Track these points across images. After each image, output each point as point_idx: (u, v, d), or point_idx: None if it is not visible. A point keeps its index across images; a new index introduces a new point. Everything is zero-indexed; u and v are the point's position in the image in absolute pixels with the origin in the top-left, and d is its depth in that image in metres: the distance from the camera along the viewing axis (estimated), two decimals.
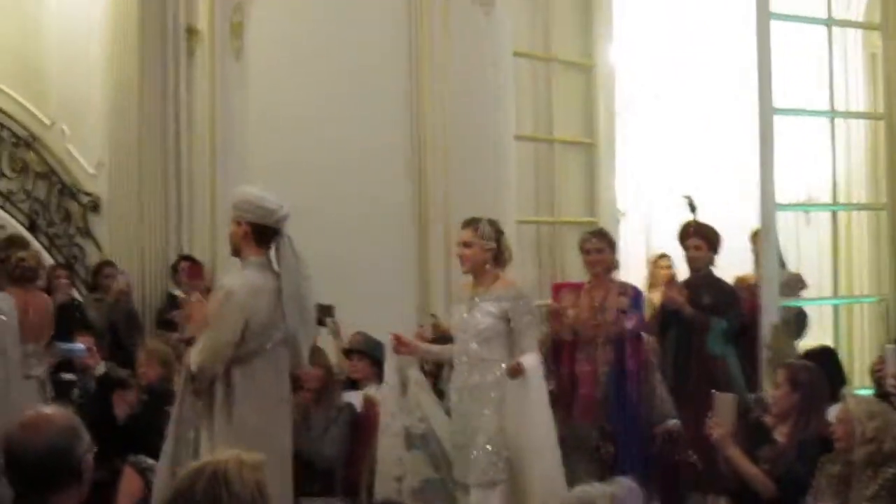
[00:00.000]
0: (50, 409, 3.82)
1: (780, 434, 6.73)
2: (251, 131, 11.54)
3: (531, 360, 7.04)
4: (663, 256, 11.27)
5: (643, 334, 8.08)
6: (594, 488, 2.77)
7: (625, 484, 2.87)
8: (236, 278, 6.46)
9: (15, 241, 9.39)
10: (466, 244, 7.23)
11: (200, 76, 11.94)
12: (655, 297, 10.56)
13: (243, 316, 6.23)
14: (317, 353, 8.39)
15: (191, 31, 12.01)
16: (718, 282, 9.12)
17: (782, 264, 9.55)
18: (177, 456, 6.30)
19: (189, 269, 11.06)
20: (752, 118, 8.67)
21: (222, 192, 11.67)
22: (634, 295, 8.19)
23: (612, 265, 8.21)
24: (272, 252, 6.40)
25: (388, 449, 7.33)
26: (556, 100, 10.36)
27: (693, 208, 9.08)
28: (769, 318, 8.50)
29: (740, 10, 10.21)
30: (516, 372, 6.95)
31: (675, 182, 13.02)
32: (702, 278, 8.99)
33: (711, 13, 12.51)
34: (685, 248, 9.08)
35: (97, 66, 12.37)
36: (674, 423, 8.06)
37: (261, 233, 6.35)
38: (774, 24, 8.38)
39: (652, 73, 13.12)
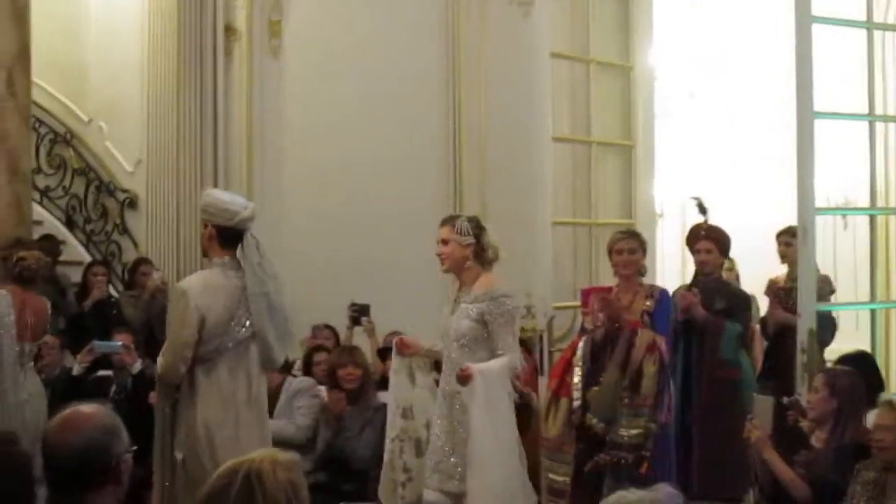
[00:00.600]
0: (88, 408, 3.81)
1: (817, 439, 6.71)
2: (288, 130, 11.57)
3: (498, 364, 6.78)
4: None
5: (657, 338, 7.67)
6: (633, 494, 2.74)
7: (665, 490, 2.84)
8: (192, 279, 6.69)
9: (21, 241, 9.38)
10: (444, 241, 7.04)
11: (238, 74, 11.96)
12: None
13: (198, 314, 6.31)
14: (354, 353, 8.41)
15: (229, 30, 12.02)
16: (729, 286, 9.13)
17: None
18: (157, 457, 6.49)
19: None
20: (790, 119, 8.60)
21: (259, 189, 11.68)
22: (661, 298, 7.91)
23: (642, 268, 8.04)
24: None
25: (395, 453, 7.11)
26: (594, 101, 10.32)
27: (703, 210, 9.01)
28: (807, 323, 8.42)
29: (778, 11, 10.20)
30: (464, 378, 6.66)
31: (712, 183, 13.02)
32: (713, 282, 8.90)
33: (749, 14, 12.46)
34: (695, 251, 8.97)
35: (135, 64, 12.41)
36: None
37: (225, 235, 6.45)
38: (814, 28, 8.33)
39: (689, 74, 13.09)
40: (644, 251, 8.04)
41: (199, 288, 6.41)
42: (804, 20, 8.23)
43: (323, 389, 8.59)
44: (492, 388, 6.71)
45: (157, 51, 12.16)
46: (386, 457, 7.10)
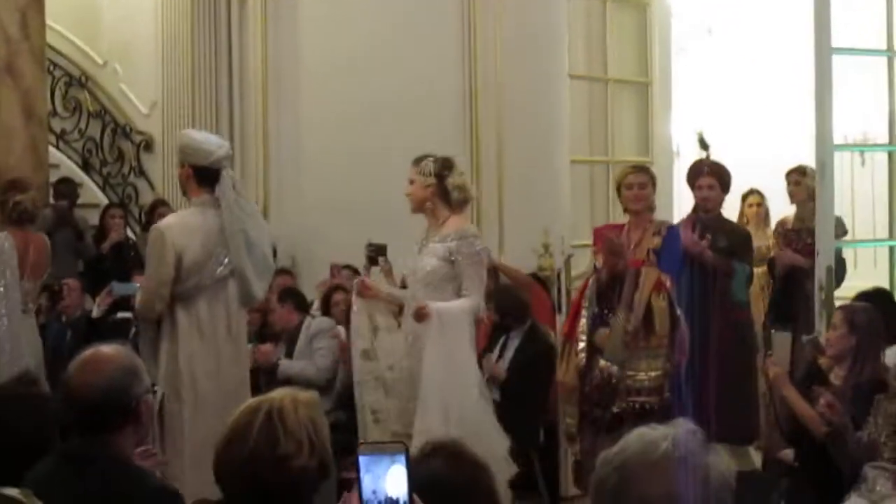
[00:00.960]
0: (108, 349, 3.83)
1: (836, 376, 6.71)
2: (304, 69, 11.50)
3: (458, 305, 6.79)
4: (753, 192, 10.79)
5: (662, 276, 7.48)
6: (655, 430, 2.74)
7: (686, 425, 2.84)
8: (169, 218, 7.00)
9: (15, 184, 9.34)
10: (410, 181, 7.05)
11: (253, 15, 11.88)
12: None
13: (175, 253, 6.49)
14: None
15: None
16: (731, 224, 8.95)
17: None
18: None
19: None
20: (808, 56, 8.55)
21: (274, 131, 11.65)
22: (668, 234, 7.67)
23: (652, 204, 7.81)
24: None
25: (360, 396, 7.09)
26: (611, 38, 10.27)
27: (705, 146, 8.89)
28: (825, 261, 8.40)
29: None
30: (420, 315, 6.68)
31: (729, 120, 12.97)
32: (714, 220, 8.67)
33: None
34: (697, 187, 8.73)
35: (150, 5, 12.37)
36: None
37: (202, 174, 6.59)
38: None
39: (706, 10, 13.01)
40: (654, 186, 7.81)
41: (176, 227, 6.63)
42: None
43: (342, 330, 8.60)
44: (448, 329, 6.72)
45: None
46: (356, 401, 7.12)
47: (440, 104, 10.28)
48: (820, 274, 8.43)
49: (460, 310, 6.81)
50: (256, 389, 6.46)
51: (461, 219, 7.06)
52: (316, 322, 8.81)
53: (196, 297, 6.59)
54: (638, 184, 7.70)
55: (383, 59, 10.66)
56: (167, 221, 6.83)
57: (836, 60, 8.18)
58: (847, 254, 10.58)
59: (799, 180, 9.32)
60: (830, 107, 8.27)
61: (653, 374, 7.42)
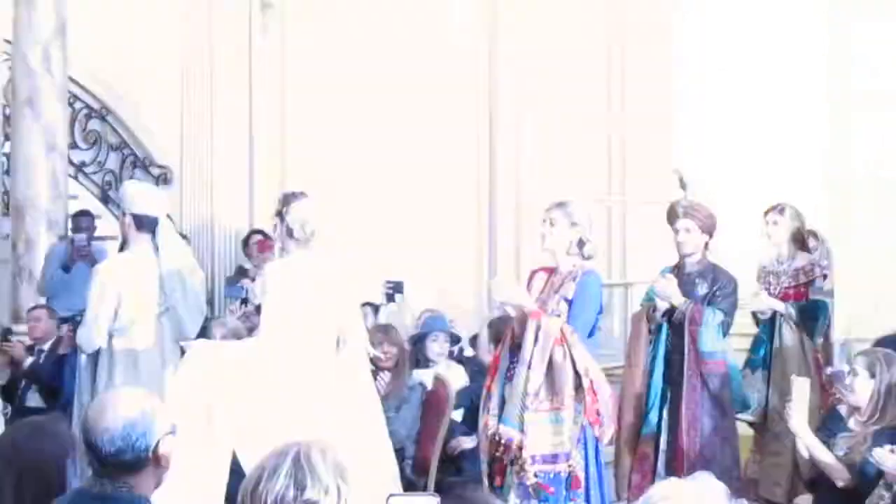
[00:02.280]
0: (128, 390, 3.84)
1: (856, 422, 6.67)
2: (322, 102, 11.55)
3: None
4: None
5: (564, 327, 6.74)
6: (678, 485, 2.72)
7: (709, 480, 2.82)
8: (109, 259, 7.67)
9: None
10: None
11: (272, 46, 11.95)
12: None
13: (113, 291, 7.13)
14: (389, 331, 8.39)
15: (264, 5, 12.01)
16: (714, 269, 8.17)
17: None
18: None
19: (260, 243, 11.09)
20: (820, 93, 8.57)
21: (293, 165, 11.69)
22: (582, 280, 6.86)
23: (565, 245, 6.93)
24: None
25: None
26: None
27: (683, 185, 8.55)
28: (845, 308, 8.40)
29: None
30: None
31: (740, 158, 12.95)
32: (695, 266, 8.11)
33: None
34: (674, 230, 8.16)
35: (171, 39, 12.40)
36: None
37: (142, 221, 7.26)
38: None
39: (719, 48, 13.01)
40: (577, 224, 6.96)
41: (116, 268, 7.29)
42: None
43: None
44: None
45: (190, 24, 12.16)
46: None
47: (459, 144, 10.31)
48: (841, 316, 8.44)
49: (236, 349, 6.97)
50: None
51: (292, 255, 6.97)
52: None
53: (132, 331, 7.21)
54: (549, 219, 6.99)
55: (400, 84, 10.71)
56: (107, 263, 7.51)
57: (854, 99, 8.22)
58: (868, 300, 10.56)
59: (777, 220, 8.81)
60: (847, 145, 8.33)
61: (556, 439, 6.74)
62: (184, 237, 9.56)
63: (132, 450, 3.68)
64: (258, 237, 11.28)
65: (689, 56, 11.00)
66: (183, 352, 6.92)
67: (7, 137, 10.94)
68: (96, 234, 11.54)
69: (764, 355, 8.71)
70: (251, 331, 8.50)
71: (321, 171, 11.51)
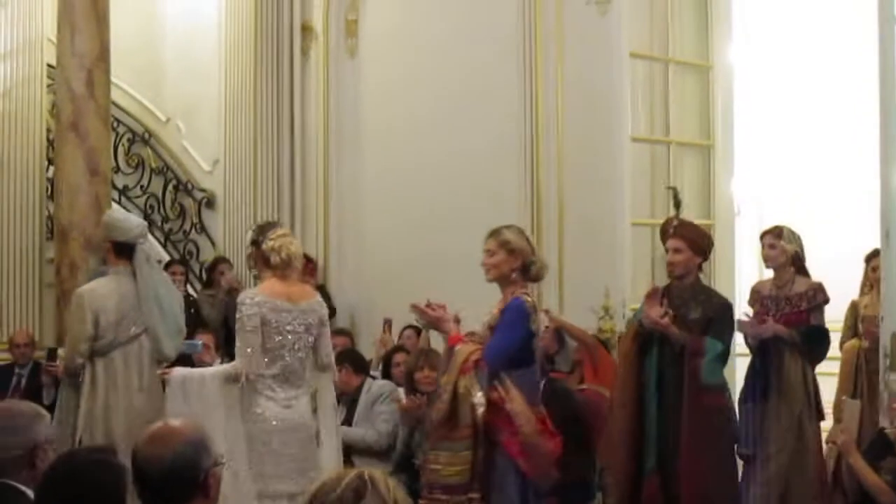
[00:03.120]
0: (177, 421, 3.85)
1: None
2: (364, 128, 11.59)
3: (212, 371, 7.30)
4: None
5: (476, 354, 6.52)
6: None
7: None
8: (90, 284, 7.83)
9: None
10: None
11: (315, 74, 12.01)
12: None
13: (91, 314, 7.49)
14: (430, 356, 8.38)
15: (305, 29, 12.08)
16: (708, 292, 7.93)
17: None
18: (61, 438, 6.95)
19: (303, 267, 11.13)
20: (871, 118, 8.47)
21: (335, 189, 11.75)
22: (507, 308, 6.60)
23: (506, 273, 6.66)
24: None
25: None
26: (673, 101, 10.25)
27: (678, 203, 8.06)
28: (891, 326, 8.30)
29: (861, 9, 10.05)
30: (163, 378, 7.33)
31: (791, 180, 12.89)
32: (688, 288, 7.76)
33: (832, 10, 12.31)
34: (665, 250, 7.90)
35: (213, 63, 12.50)
36: None
37: (120, 247, 7.69)
38: None
39: (768, 71, 12.96)
40: (512, 252, 6.69)
41: (94, 292, 7.62)
42: (886, 20, 8.13)
43: (401, 392, 8.58)
44: (191, 395, 7.00)
45: (234, 50, 12.25)
46: None
47: (501, 166, 10.32)
48: (885, 340, 8.35)
49: (210, 376, 7.09)
50: None
51: (265, 283, 7.14)
52: (377, 385, 8.77)
53: (112, 354, 7.57)
54: (486, 250, 6.81)
55: (444, 119, 10.74)
56: (87, 287, 7.78)
57: None
58: None
59: (774, 243, 8.42)
60: (894, 171, 8.20)
61: (452, 469, 6.57)
62: (160, 262, 9.87)
63: (182, 480, 3.69)
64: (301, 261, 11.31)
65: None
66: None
67: (51, 162, 11.00)
68: None
69: (761, 386, 8.24)
70: None
71: (363, 198, 11.55)
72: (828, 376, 9.19)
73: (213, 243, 12.59)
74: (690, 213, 10.28)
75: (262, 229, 7.25)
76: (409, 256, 10.92)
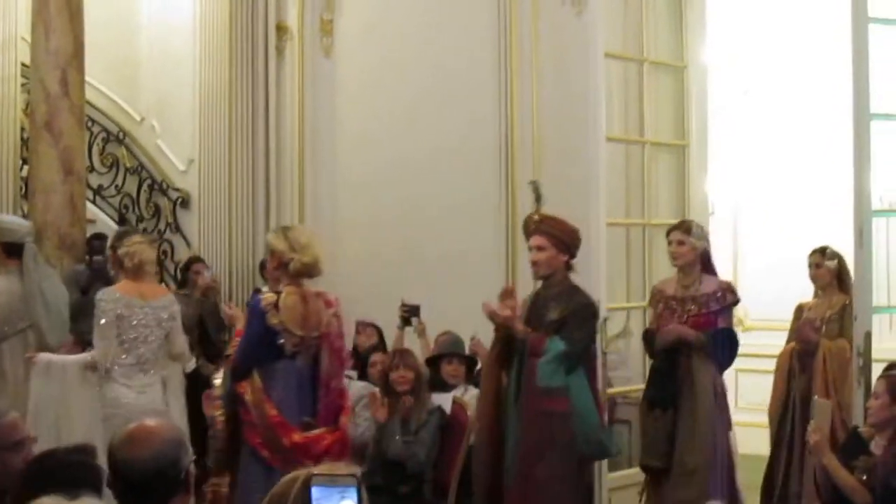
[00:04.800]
0: (154, 421, 3.85)
1: (877, 445, 6.66)
2: (340, 128, 11.58)
3: (74, 357, 8.08)
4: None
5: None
6: None
7: None
8: None
9: None
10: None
11: (290, 74, 11.98)
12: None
13: None
14: (406, 356, 8.40)
15: (280, 29, 12.05)
16: (572, 292, 7.45)
17: None
18: None
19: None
20: (846, 119, 8.51)
21: (311, 188, 11.72)
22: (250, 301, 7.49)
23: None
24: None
25: None
26: (648, 101, 10.27)
27: (539, 197, 7.75)
28: (863, 326, 8.33)
29: (834, 10, 10.11)
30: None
31: (766, 181, 12.96)
32: (553, 288, 7.46)
33: (805, 12, 12.38)
34: (528, 248, 7.56)
35: (188, 63, 12.45)
36: None
37: (10, 248, 8.51)
38: (871, 28, 8.24)
39: (743, 71, 13.02)
40: (272, 254, 7.36)
41: None
42: (860, 20, 8.17)
43: (377, 391, 8.57)
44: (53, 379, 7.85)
45: (209, 50, 12.20)
46: None
47: (476, 165, 10.32)
48: (858, 339, 8.39)
49: (72, 362, 7.97)
50: None
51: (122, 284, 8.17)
52: (355, 388, 8.77)
53: (1, 346, 8.36)
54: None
55: (420, 119, 10.74)
56: None
57: (875, 126, 8.16)
58: (883, 318, 10.56)
59: (682, 239, 8.19)
60: (868, 173, 8.23)
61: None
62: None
63: (165, 479, 3.69)
64: None
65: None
66: None
67: (25, 161, 10.96)
68: None
69: (670, 391, 7.97)
70: None
71: (338, 197, 11.54)
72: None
73: (187, 243, 12.56)
74: (665, 213, 10.37)
75: (120, 237, 8.32)
76: (385, 254, 10.91)
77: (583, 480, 7.43)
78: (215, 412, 7.49)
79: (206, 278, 11.02)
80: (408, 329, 9.62)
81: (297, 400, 7.11)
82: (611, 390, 9.63)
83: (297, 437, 6.97)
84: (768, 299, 11.69)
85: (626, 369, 10.17)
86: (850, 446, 6.81)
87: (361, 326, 9.99)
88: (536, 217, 7.63)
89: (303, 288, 7.21)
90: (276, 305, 7.07)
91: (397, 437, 8.02)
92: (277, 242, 7.17)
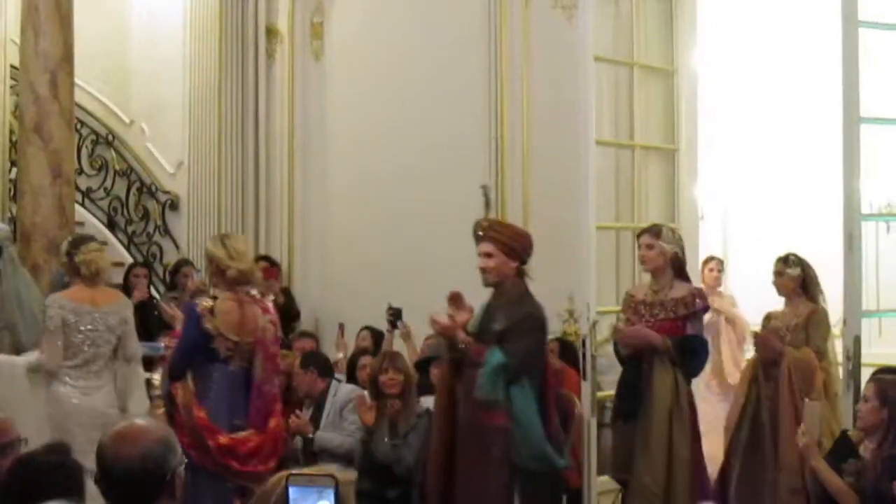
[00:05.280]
0: (143, 420, 3.83)
1: (866, 449, 6.66)
2: (329, 131, 11.58)
3: (21, 359, 7.99)
4: (712, 259, 11.21)
5: None
6: None
7: None
8: None
9: None
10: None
11: (280, 76, 11.99)
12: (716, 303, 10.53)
13: None
14: (395, 359, 8.39)
15: (270, 32, 12.06)
16: (520, 301, 7.11)
17: None
18: None
19: (266, 270, 11.10)
20: (834, 123, 8.51)
21: (300, 191, 11.72)
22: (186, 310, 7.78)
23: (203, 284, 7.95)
24: None
25: None
26: (638, 105, 10.27)
27: (488, 202, 7.43)
28: (853, 330, 8.33)
29: (824, 14, 10.12)
30: None
31: (754, 184, 12.95)
32: (502, 297, 7.10)
33: (795, 17, 12.38)
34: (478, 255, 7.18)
35: (177, 66, 12.45)
36: None
37: None
38: (861, 32, 8.25)
39: (732, 76, 13.02)
40: (210, 261, 7.59)
41: None
42: (850, 24, 8.18)
43: (366, 394, 8.57)
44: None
45: (198, 53, 12.21)
46: None
47: (466, 169, 10.32)
48: (847, 343, 8.39)
49: (20, 363, 7.97)
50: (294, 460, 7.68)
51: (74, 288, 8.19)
52: (343, 391, 8.76)
53: None
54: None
55: (410, 122, 10.75)
56: None
57: (864, 130, 8.17)
58: (872, 322, 10.55)
59: (652, 243, 7.99)
60: (858, 177, 8.24)
61: None
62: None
63: (151, 479, 3.67)
64: (264, 264, 11.28)
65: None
66: None
67: (14, 164, 10.93)
68: None
69: (631, 402, 7.78)
70: None
71: (328, 200, 11.54)
72: None
73: (176, 246, 12.54)
74: (655, 217, 10.36)
75: (76, 244, 8.23)
76: (375, 259, 10.91)
77: (513, 496, 7.08)
78: (157, 411, 7.81)
79: (195, 281, 10.99)
80: (395, 332, 9.64)
81: (229, 403, 7.32)
82: (600, 394, 9.62)
83: (224, 439, 7.15)
84: (757, 305, 11.67)
85: (614, 373, 10.15)
86: (840, 450, 6.81)
87: (342, 329, 10.07)
88: (485, 223, 7.42)
89: (239, 294, 7.39)
90: (211, 311, 7.26)
91: (385, 440, 8.01)
92: (216, 250, 7.41)
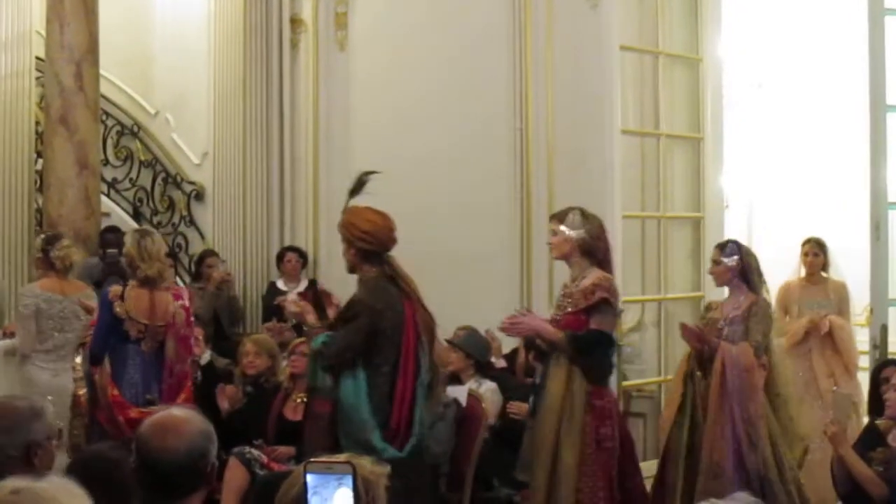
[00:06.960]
0: (182, 411, 3.80)
1: (894, 438, 6.65)
2: (354, 121, 11.58)
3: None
4: (808, 241, 10.22)
5: None
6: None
7: (745, 499, 2.81)
8: None
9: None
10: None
11: (304, 67, 11.99)
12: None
13: None
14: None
15: (295, 22, 12.05)
16: (361, 289, 6.92)
17: None
18: None
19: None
20: (860, 111, 8.47)
21: (325, 182, 11.72)
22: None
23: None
24: None
25: None
26: (663, 94, 10.24)
27: (353, 190, 7.24)
28: (879, 319, 8.31)
29: (851, 3, 10.08)
30: None
31: (781, 174, 12.92)
32: (360, 288, 6.96)
33: (821, 5, 12.34)
34: None
35: (202, 56, 12.46)
36: None
37: None
38: (887, 20, 8.22)
39: (758, 65, 12.99)
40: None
41: None
42: (877, 12, 8.16)
43: None
44: None
45: (223, 43, 12.22)
46: None
47: (491, 159, 10.32)
48: (874, 332, 8.38)
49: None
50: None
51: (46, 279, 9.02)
52: None
53: None
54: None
55: (434, 113, 10.73)
56: None
57: (891, 118, 8.15)
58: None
59: (555, 229, 7.31)
60: (885, 165, 8.22)
61: None
62: None
63: (195, 470, 3.66)
64: (291, 254, 11.30)
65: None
66: None
67: (40, 155, 10.97)
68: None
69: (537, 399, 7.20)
70: (283, 346, 8.88)
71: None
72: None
73: (202, 236, 12.56)
74: (681, 206, 10.35)
75: (50, 240, 9.01)
76: (399, 248, 10.88)
77: None
78: (79, 392, 8.23)
79: (220, 272, 11.04)
80: None
81: (142, 379, 7.88)
82: (626, 383, 9.63)
83: (134, 413, 7.58)
84: None
85: (640, 362, 10.15)
86: (867, 438, 6.80)
87: None
88: (344, 212, 7.27)
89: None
90: (121, 296, 7.87)
91: None
92: (131, 247, 7.96)
